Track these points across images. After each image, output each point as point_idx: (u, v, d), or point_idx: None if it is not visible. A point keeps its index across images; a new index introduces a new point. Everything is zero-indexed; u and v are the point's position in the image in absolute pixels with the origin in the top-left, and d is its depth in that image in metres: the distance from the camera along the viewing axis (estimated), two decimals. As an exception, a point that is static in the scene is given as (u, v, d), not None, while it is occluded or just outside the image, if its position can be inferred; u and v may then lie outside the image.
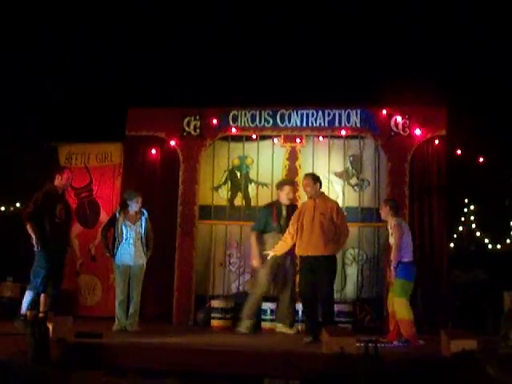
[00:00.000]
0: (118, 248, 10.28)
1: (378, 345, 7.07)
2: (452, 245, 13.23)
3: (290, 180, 11.39)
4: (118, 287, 10.38)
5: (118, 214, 10.39)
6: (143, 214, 10.45)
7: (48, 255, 9.62)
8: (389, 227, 9.71)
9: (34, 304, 9.74)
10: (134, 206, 10.40)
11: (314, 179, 9.95)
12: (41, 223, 9.62)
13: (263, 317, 11.03)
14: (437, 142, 11.44)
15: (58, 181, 9.99)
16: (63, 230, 9.95)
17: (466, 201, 13.54)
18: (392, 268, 9.32)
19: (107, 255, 10.54)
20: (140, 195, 10.43)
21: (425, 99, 11.16)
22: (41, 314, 8.50)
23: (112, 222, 10.49)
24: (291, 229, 9.76)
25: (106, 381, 6.77)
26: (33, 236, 9.55)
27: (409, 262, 9.40)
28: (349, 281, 11.75)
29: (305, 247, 9.60)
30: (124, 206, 10.45)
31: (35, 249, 9.63)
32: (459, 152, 11.78)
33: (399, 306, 9.26)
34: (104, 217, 12.63)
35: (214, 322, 11.16)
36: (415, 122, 11.41)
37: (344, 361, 7.23)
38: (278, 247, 10.01)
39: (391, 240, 9.60)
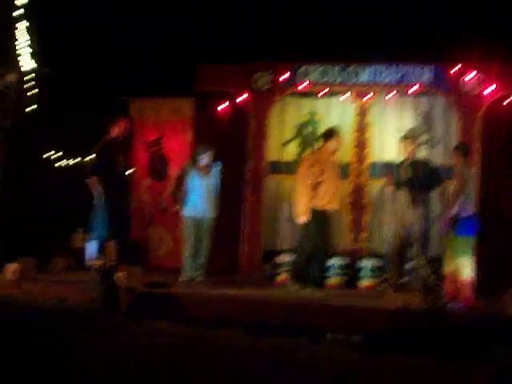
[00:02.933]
0: (188, 200, 10.36)
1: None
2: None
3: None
4: (187, 239, 10.49)
5: (188, 167, 10.46)
6: (217, 166, 10.48)
7: (107, 205, 9.77)
8: None
9: (103, 253, 9.97)
10: (205, 160, 10.44)
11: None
12: (104, 176, 9.75)
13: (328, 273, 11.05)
14: (510, 99, 11.24)
15: (115, 131, 10.08)
16: (125, 180, 10.08)
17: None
18: (444, 218, 8.90)
19: (177, 208, 10.64)
20: (210, 149, 10.48)
21: (498, 56, 10.92)
22: (110, 263, 8.69)
23: (181, 177, 10.56)
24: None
25: (175, 329, 6.91)
26: (94, 189, 9.69)
27: (470, 216, 8.89)
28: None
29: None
30: (195, 160, 10.52)
31: (97, 202, 9.79)
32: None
33: (464, 266, 8.84)
34: (174, 170, 12.79)
35: (281, 276, 11.25)
36: (488, 80, 11.21)
37: (407, 316, 7.25)
38: None
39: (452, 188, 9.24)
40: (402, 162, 10.28)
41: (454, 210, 8.79)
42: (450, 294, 8.93)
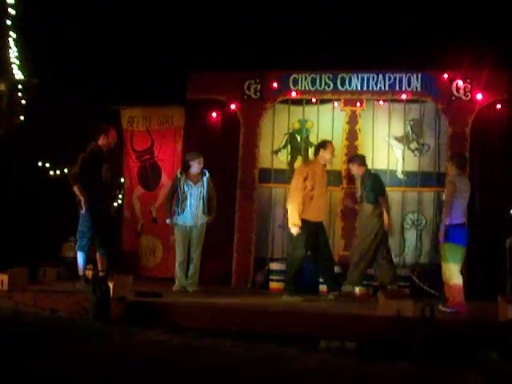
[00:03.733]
0: (180, 208, 10.34)
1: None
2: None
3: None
4: (178, 248, 10.46)
5: (179, 175, 10.44)
6: (205, 174, 10.46)
7: (94, 216, 9.70)
8: None
9: (94, 263, 9.94)
10: (195, 167, 10.42)
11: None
12: (87, 184, 9.68)
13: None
14: (499, 106, 11.30)
15: (101, 141, 9.99)
16: (109, 190, 10.01)
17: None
18: (441, 229, 8.75)
19: (167, 222, 10.58)
20: (201, 156, 10.45)
21: (487, 63, 10.96)
22: (101, 273, 8.65)
23: (175, 185, 10.53)
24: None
25: (164, 339, 6.90)
26: (80, 198, 9.62)
27: (459, 225, 8.76)
28: (408, 245, 11.72)
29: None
30: (186, 167, 10.49)
31: (81, 211, 9.73)
32: (522, 116, 11.58)
33: (444, 271, 8.78)
34: (165, 179, 12.82)
35: (273, 285, 11.26)
36: (477, 86, 11.28)
37: (400, 324, 7.25)
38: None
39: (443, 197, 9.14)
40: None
41: (447, 218, 8.76)
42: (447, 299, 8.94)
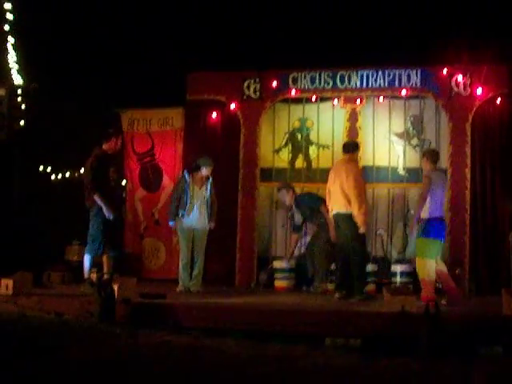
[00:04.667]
0: (187, 211, 10.34)
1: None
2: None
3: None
4: (181, 250, 10.49)
5: (187, 177, 10.42)
6: (208, 178, 10.48)
7: (105, 219, 9.73)
8: None
9: (98, 266, 9.95)
10: (204, 172, 10.42)
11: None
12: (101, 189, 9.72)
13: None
14: (499, 100, 11.28)
15: (106, 145, 10.01)
16: (117, 192, 10.04)
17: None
18: (412, 223, 8.87)
19: (171, 224, 10.59)
20: (213, 164, 10.45)
21: (486, 57, 10.96)
22: (105, 276, 8.66)
23: (181, 186, 10.52)
24: None
25: (169, 339, 6.91)
26: (102, 205, 9.63)
27: (437, 218, 8.85)
28: (410, 241, 11.69)
29: None
30: (195, 170, 10.49)
31: (91, 213, 9.74)
32: (523, 110, 11.58)
33: (418, 266, 8.89)
34: (166, 181, 12.82)
35: (277, 283, 11.27)
36: (477, 81, 11.25)
37: (405, 320, 7.27)
38: None
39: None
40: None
41: (419, 212, 8.81)
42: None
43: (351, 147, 9.98)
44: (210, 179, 10.50)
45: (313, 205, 10.98)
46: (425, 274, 8.83)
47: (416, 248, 8.98)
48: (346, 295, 9.43)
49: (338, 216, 9.72)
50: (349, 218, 9.53)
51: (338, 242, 9.93)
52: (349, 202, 9.48)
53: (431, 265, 8.87)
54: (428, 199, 8.86)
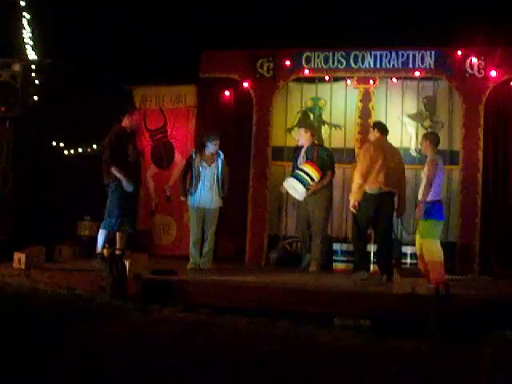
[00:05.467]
0: (194, 189, 10.38)
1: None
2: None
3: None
4: (192, 227, 10.53)
5: (194, 155, 10.45)
6: (219, 155, 10.49)
7: (123, 194, 9.78)
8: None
9: (110, 242, 10.01)
10: (211, 148, 10.43)
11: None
12: (118, 164, 9.77)
13: (335, 257, 11.11)
14: (513, 83, 11.26)
15: (125, 122, 10.06)
16: (135, 169, 10.09)
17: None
18: (420, 206, 8.87)
19: (182, 199, 10.65)
20: (218, 138, 10.47)
21: (500, 40, 10.91)
22: (117, 252, 8.72)
23: (189, 164, 10.57)
24: None
25: (180, 316, 6.98)
26: (121, 178, 9.68)
27: (438, 201, 8.98)
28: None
29: None
30: (201, 148, 10.52)
31: (109, 189, 9.80)
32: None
33: (427, 248, 8.90)
34: (178, 158, 12.84)
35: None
36: (491, 63, 11.20)
37: (415, 301, 7.30)
38: None
39: (422, 176, 9.24)
40: (300, 149, 10.95)
41: (427, 196, 8.89)
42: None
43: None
44: (222, 156, 10.49)
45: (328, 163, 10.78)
46: (434, 255, 8.87)
47: (424, 231, 8.98)
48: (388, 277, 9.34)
49: (384, 195, 9.74)
50: (393, 198, 9.80)
51: (362, 222, 9.91)
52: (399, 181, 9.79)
53: (438, 246, 8.96)
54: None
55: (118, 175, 9.66)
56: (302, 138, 10.89)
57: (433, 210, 8.92)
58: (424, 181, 9.02)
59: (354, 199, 9.63)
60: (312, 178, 10.32)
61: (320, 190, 10.55)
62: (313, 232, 10.69)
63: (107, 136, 9.88)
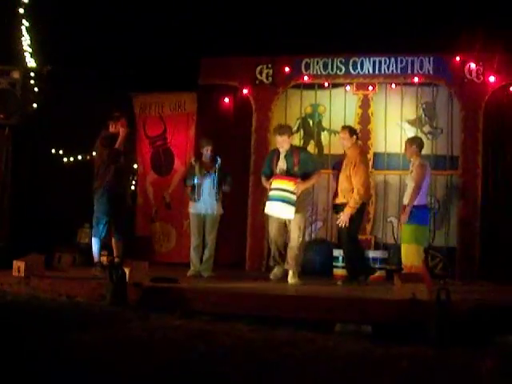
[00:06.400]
0: (196, 196, 10.36)
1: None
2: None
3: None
4: (192, 233, 10.51)
5: (193, 162, 10.45)
6: (216, 161, 10.45)
7: (108, 201, 9.73)
8: (411, 167, 9.20)
9: (109, 250, 9.98)
10: (204, 155, 10.44)
11: (351, 132, 9.82)
12: (99, 170, 9.72)
13: (335, 263, 11.08)
14: (512, 88, 11.28)
15: (112, 128, 9.99)
16: (122, 175, 9.97)
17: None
18: (407, 211, 8.80)
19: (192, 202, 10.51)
20: (210, 143, 10.41)
21: (499, 45, 10.94)
22: (116, 259, 8.70)
23: (189, 172, 10.56)
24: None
25: (181, 323, 6.96)
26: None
27: (424, 206, 8.98)
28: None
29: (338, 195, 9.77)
30: (200, 155, 10.52)
31: (96, 195, 9.74)
32: (535, 98, 11.56)
33: (407, 252, 8.87)
34: (178, 165, 12.87)
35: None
36: (489, 69, 11.24)
37: (415, 307, 7.28)
38: None
39: (407, 180, 9.16)
40: (277, 153, 9.83)
41: (415, 200, 8.85)
42: None
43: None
44: (219, 161, 10.40)
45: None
46: (414, 260, 8.85)
47: (408, 235, 8.91)
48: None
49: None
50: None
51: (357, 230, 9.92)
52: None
53: (421, 252, 8.98)
54: None
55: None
56: (279, 143, 9.72)
57: (419, 215, 8.89)
58: (411, 185, 8.93)
59: (353, 211, 9.49)
60: (291, 192, 9.32)
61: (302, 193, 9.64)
62: (290, 240, 9.74)
63: (96, 142, 9.86)
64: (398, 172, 11.64)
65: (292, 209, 9.31)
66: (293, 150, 9.74)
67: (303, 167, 9.59)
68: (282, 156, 9.71)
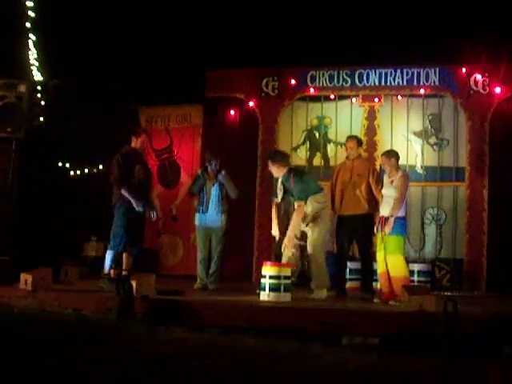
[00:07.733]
0: (204, 208, 10.36)
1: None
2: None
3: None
4: (199, 246, 10.49)
5: (201, 175, 10.44)
6: (220, 173, 10.41)
7: (127, 215, 9.72)
8: (385, 179, 9.03)
9: (117, 263, 9.96)
10: (213, 167, 10.42)
11: (358, 142, 9.75)
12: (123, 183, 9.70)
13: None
14: (520, 98, 11.28)
15: (135, 143, 10.00)
16: (142, 190, 9.97)
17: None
18: (391, 221, 8.70)
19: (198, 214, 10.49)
20: (213, 157, 10.41)
21: (504, 56, 10.95)
22: (124, 273, 8.68)
23: (195, 178, 10.56)
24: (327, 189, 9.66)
25: (189, 336, 6.94)
26: (130, 199, 9.59)
27: (404, 217, 8.95)
28: (428, 240, 11.73)
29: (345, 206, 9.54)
30: (205, 168, 10.52)
31: (115, 209, 9.71)
32: (541, 110, 11.55)
33: (395, 264, 8.80)
34: (184, 177, 12.87)
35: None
36: (495, 80, 11.26)
37: (423, 319, 7.26)
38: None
39: (387, 192, 8.95)
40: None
41: (399, 212, 8.80)
42: (387, 292, 8.87)
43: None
44: (223, 172, 10.37)
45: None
46: (401, 270, 8.82)
47: (393, 246, 8.81)
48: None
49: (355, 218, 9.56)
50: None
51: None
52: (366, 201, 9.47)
53: (404, 261, 8.97)
54: None
55: (127, 196, 9.59)
56: (271, 170, 9.45)
57: (403, 226, 8.93)
58: (393, 196, 8.82)
59: None
60: (287, 277, 8.69)
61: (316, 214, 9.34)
62: (309, 256, 9.47)
63: (115, 157, 9.83)
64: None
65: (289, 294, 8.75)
66: (290, 173, 9.30)
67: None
68: (279, 181, 9.44)
